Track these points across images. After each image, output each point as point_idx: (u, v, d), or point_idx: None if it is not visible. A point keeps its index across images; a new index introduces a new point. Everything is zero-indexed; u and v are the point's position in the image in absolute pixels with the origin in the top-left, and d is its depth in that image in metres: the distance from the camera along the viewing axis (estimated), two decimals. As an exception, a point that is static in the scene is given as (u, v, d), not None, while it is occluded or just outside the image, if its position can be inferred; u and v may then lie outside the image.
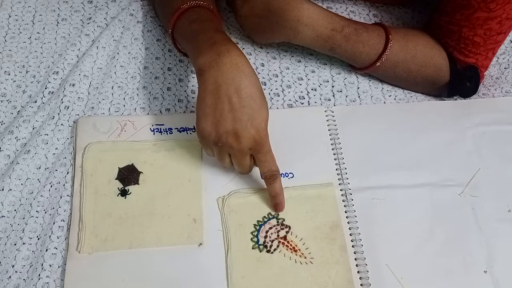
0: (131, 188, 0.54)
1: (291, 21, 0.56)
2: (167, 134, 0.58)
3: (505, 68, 0.67)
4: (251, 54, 0.65)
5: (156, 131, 0.58)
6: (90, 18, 0.67)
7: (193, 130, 0.58)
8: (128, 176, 0.55)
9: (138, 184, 0.54)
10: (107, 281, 0.49)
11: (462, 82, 0.61)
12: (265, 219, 0.53)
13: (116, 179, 0.54)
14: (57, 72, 0.62)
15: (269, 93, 0.62)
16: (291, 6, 0.56)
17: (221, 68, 0.48)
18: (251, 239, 0.52)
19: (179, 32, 0.56)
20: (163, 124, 0.58)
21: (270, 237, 0.52)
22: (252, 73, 0.50)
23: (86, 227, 0.51)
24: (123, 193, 0.54)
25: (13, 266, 0.49)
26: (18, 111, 0.59)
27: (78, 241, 0.50)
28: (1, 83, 0.61)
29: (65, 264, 0.49)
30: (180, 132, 0.58)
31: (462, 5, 0.56)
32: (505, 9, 0.55)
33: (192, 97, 0.61)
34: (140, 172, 0.55)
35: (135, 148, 0.56)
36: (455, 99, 0.64)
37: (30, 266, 0.50)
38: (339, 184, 0.56)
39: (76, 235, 0.51)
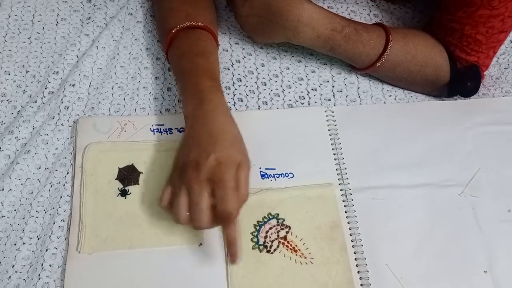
0: (131, 188, 0.54)
1: (291, 21, 0.56)
2: (167, 134, 0.58)
3: (505, 68, 0.67)
4: (251, 54, 0.65)
5: (156, 131, 0.58)
6: (89, 18, 0.67)
7: (193, 130, 0.58)
8: (128, 176, 0.55)
9: (138, 184, 0.54)
10: (107, 281, 0.49)
11: (463, 81, 0.61)
12: (265, 219, 0.53)
13: (116, 179, 0.54)
14: (57, 72, 0.62)
15: (269, 93, 0.62)
16: (292, 6, 0.56)
17: (201, 115, 0.51)
18: (251, 239, 0.52)
19: (171, 64, 0.60)
20: (163, 125, 0.58)
21: (270, 237, 0.52)
22: (227, 119, 0.51)
23: (86, 227, 0.51)
24: (123, 193, 0.54)
25: (13, 266, 0.49)
26: (18, 111, 0.59)
27: (78, 241, 0.50)
28: (1, 83, 0.61)
29: (65, 264, 0.49)
30: (180, 132, 0.58)
31: (465, 2, 0.56)
32: (507, 7, 0.55)
33: (192, 97, 0.61)
34: (140, 172, 0.55)
35: (135, 148, 0.56)
36: (455, 99, 0.64)
37: (30, 266, 0.50)
38: (339, 184, 0.56)
39: (76, 235, 0.51)
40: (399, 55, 0.60)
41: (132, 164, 0.55)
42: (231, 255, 0.49)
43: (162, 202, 0.50)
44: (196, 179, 0.48)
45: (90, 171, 0.54)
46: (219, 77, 0.56)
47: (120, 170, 0.55)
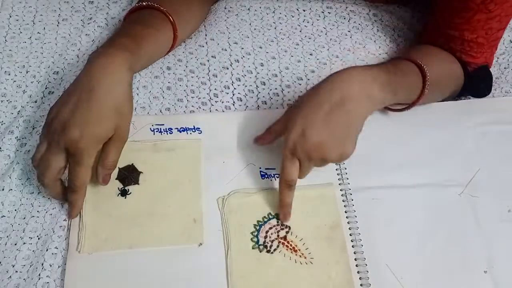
0: (131, 188, 0.54)
1: (353, 103, 0.49)
2: (167, 134, 0.58)
3: (505, 68, 0.67)
4: (250, 54, 0.65)
5: (156, 131, 0.58)
6: (90, 18, 0.67)
7: (193, 130, 0.58)
8: (129, 176, 0.55)
9: (138, 184, 0.54)
10: (107, 281, 0.49)
11: (476, 84, 0.61)
12: (265, 219, 0.53)
13: (116, 179, 0.54)
14: (57, 72, 0.62)
15: (269, 93, 0.63)
16: (348, 93, 0.49)
17: (89, 72, 0.50)
18: (251, 239, 0.52)
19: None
20: (163, 124, 0.58)
21: (270, 237, 0.52)
22: (113, 85, 0.50)
23: (86, 227, 0.51)
24: (123, 193, 0.54)
25: (13, 266, 0.49)
26: (18, 111, 0.59)
27: (78, 241, 0.50)
28: (1, 83, 0.61)
29: (65, 264, 0.49)
30: (180, 132, 0.58)
31: (461, 8, 0.56)
32: (503, 8, 0.55)
33: (192, 97, 0.61)
34: (140, 172, 0.55)
35: (135, 148, 0.56)
36: (455, 99, 0.64)
37: (31, 266, 0.50)
38: (339, 184, 0.56)
39: (76, 235, 0.51)
40: (432, 75, 0.55)
41: (132, 164, 0.55)
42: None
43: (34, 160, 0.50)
44: (55, 141, 0.48)
45: None
46: (141, 44, 0.55)
47: (120, 170, 0.55)
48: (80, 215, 0.52)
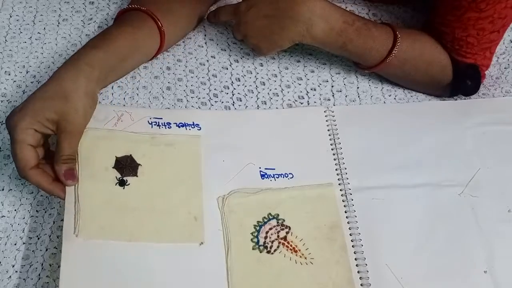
0: (129, 179, 0.52)
1: (305, 13, 0.56)
2: (165, 128, 0.57)
3: (505, 68, 0.67)
4: (249, 54, 0.65)
5: (154, 124, 0.56)
6: (91, 19, 0.67)
7: (192, 126, 0.58)
8: (126, 166, 0.53)
9: (137, 176, 0.53)
10: (105, 271, 0.48)
11: (463, 81, 0.61)
12: (265, 220, 0.53)
13: (113, 167, 0.53)
14: (57, 72, 0.62)
15: (268, 93, 0.63)
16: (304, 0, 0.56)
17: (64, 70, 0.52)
18: (251, 239, 0.52)
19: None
20: (161, 118, 0.57)
21: (270, 237, 0.52)
22: (70, 74, 0.51)
23: (82, 210, 0.49)
24: (121, 183, 0.52)
25: (13, 266, 0.49)
26: (18, 111, 0.59)
27: (75, 222, 0.49)
28: (1, 83, 0.61)
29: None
30: (179, 127, 0.57)
31: (453, 5, 0.57)
32: (496, 9, 0.55)
33: (192, 97, 0.61)
34: (139, 165, 0.53)
35: (133, 139, 0.55)
36: (455, 99, 0.64)
37: (30, 266, 0.50)
38: (339, 184, 0.56)
39: (73, 218, 0.49)
40: (407, 52, 0.59)
41: (130, 155, 0.54)
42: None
43: None
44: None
45: (85, 154, 0.52)
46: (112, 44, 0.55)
47: (117, 158, 0.53)
48: (75, 199, 0.50)
